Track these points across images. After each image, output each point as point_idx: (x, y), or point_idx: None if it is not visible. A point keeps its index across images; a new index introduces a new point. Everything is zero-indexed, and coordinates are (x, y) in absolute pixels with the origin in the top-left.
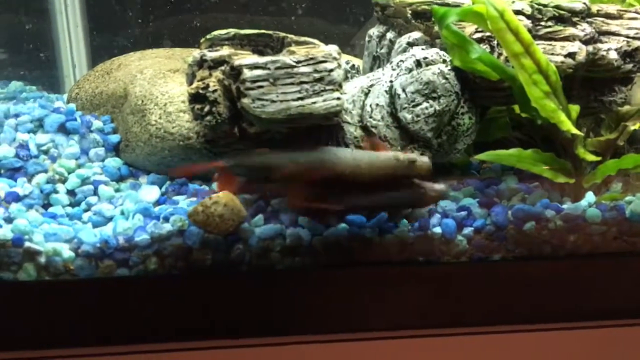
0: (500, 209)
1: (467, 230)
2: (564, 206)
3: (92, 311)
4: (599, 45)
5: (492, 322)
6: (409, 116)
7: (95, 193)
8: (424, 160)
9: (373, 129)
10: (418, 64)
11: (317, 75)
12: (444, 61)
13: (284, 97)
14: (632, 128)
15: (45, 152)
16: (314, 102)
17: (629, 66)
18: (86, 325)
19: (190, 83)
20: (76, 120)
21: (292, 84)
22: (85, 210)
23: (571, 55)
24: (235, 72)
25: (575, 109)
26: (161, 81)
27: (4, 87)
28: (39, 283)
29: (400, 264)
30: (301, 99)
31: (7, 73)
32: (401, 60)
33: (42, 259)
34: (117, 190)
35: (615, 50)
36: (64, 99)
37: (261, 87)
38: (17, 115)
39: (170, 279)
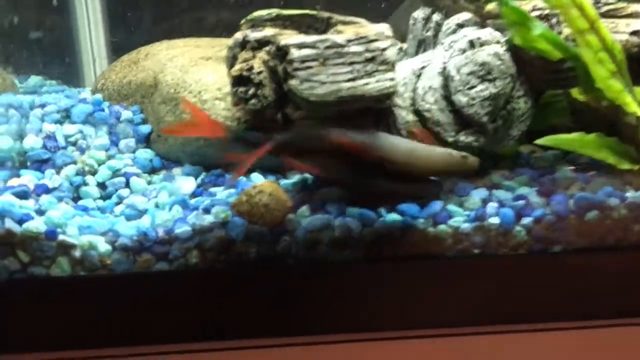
0: (561, 197)
1: (526, 221)
2: (627, 194)
3: (130, 308)
4: None
5: (555, 319)
6: (463, 99)
7: (126, 185)
8: (474, 158)
9: (426, 113)
10: (471, 44)
11: (369, 55)
12: (498, 42)
13: (334, 78)
14: None
15: (74, 144)
16: (366, 83)
17: None
18: (124, 323)
19: (230, 66)
20: (104, 110)
21: (342, 64)
22: (117, 204)
23: (636, 33)
24: (282, 53)
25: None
26: (194, 69)
27: (23, 81)
28: (73, 278)
29: (456, 257)
30: (352, 79)
31: (26, 68)
32: (453, 41)
33: (77, 253)
34: (149, 183)
35: None
36: (87, 92)
37: (310, 67)
38: (42, 106)
39: (213, 273)
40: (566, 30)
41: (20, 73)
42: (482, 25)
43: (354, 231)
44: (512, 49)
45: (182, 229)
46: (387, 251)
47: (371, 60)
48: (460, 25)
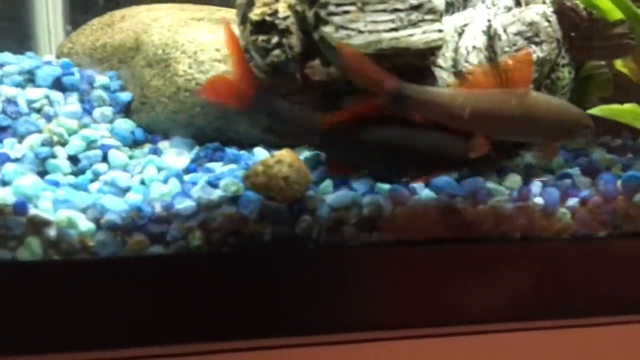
0: (609, 176)
1: (572, 202)
2: None
3: (117, 301)
4: None
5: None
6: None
7: (104, 160)
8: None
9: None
10: (517, 2)
11: (414, 2)
12: (545, 2)
13: (373, 26)
14: None
15: (38, 110)
16: (411, 35)
17: None
18: (110, 319)
19: (242, 15)
20: (74, 74)
21: (384, 11)
22: (93, 180)
23: None
24: None
25: None
26: (185, 29)
27: None
28: (46, 264)
29: (496, 240)
30: (395, 29)
31: None
32: None
33: (52, 232)
34: (130, 158)
35: None
36: (51, 57)
37: (347, 12)
38: (1, 66)
39: (219, 259)
40: None
41: None
42: None
43: (385, 210)
44: (559, 11)
45: (184, 204)
46: (419, 233)
47: (417, 8)
48: None
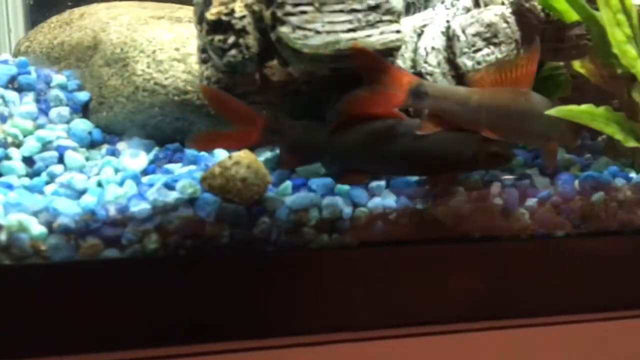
0: (567, 176)
1: (531, 202)
2: (632, 175)
3: (70, 307)
4: None
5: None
6: (469, 63)
7: (60, 161)
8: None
9: (428, 77)
10: (476, 3)
11: (372, 3)
12: (503, 3)
13: (331, 27)
14: None
15: None
16: (369, 35)
17: None
18: (63, 325)
19: (200, 14)
20: (30, 74)
21: (341, 11)
22: (48, 183)
23: None
24: None
25: None
26: (144, 27)
27: None
28: None
29: (455, 240)
30: (353, 30)
31: None
32: None
33: (3, 236)
34: (87, 159)
35: None
36: (8, 56)
37: (304, 12)
38: None
39: (176, 262)
40: None
41: None
42: None
43: (345, 212)
44: (517, 12)
45: (139, 207)
46: (381, 235)
47: (374, 8)
48: None
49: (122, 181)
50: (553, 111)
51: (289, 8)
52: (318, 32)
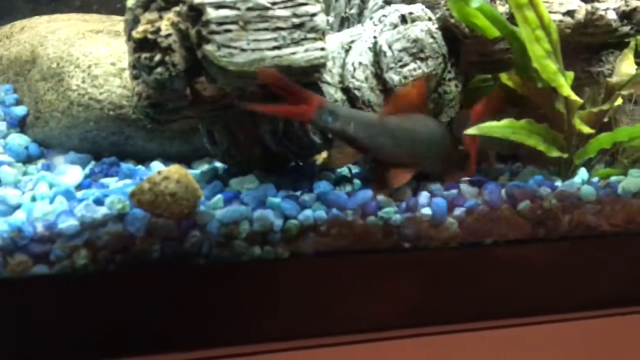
0: (493, 186)
1: (459, 212)
2: (557, 183)
3: None
4: (597, 4)
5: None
6: (396, 78)
7: None
8: None
9: (356, 92)
10: (403, 19)
11: (296, 21)
12: (430, 19)
13: (256, 45)
14: (626, 93)
15: None
16: (294, 53)
17: (626, 28)
18: None
19: (129, 31)
20: None
21: (266, 29)
22: None
23: (570, 13)
24: (195, 13)
25: (570, 75)
26: (81, 42)
27: None
28: None
29: (386, 251)
30: (278, 48)
31: None
32: (384, 15)
33: None
34: (24, 174)
35: (614, 10)
36: None
37: (229, 31)
38: None
39: (106, 277)
40: (501, 9)
41: None
42: (411, 1)
43: (275, 224)
44: (444, 27)
45: (67, 223)
46: (311, 246)
47: (299, 26)
48: (388, 2)
49: (53, 197)
50: (473, 129)
51: (213, 27)
52: (243, 50)
